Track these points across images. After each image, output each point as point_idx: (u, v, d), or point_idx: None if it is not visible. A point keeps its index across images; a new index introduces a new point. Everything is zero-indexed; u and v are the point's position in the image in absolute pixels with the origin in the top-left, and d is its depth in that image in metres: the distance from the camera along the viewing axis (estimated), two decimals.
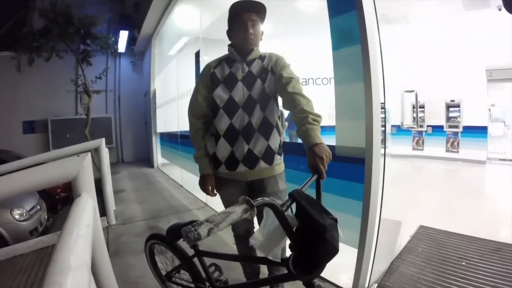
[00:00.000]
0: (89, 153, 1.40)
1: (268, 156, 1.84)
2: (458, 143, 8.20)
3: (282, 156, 1.96)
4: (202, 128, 1.94)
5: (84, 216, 1.01)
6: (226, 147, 1.83)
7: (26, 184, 1.33)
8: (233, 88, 1.82)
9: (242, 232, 2.10)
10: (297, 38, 7.08)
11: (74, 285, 0.60)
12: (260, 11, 1.79)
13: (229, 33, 1.89)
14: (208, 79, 1.88)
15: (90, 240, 0.89)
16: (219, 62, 1.91)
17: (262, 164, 1.83)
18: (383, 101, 2.11)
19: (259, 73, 1.83)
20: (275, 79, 1.82)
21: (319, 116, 1.59)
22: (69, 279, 0.61)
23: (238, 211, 0.88)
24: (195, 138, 1.95)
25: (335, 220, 1.10)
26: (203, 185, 1.94)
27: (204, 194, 1.98)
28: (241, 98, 1.81)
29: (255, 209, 0.91)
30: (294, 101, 1.66)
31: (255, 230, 2.16)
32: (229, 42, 1.91)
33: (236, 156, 1.82)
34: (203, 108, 1.90)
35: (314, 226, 1.03)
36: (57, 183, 1.39)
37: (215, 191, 1.97)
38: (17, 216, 3.92)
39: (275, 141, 1.86)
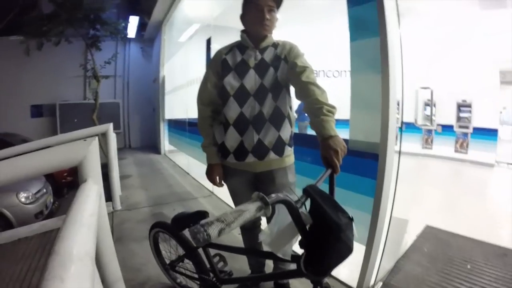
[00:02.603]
0: (96, 138, 1.36)
1: (279, 147, 1.78)
2: (467, 144, 8.08)
3: (293, 148, 1.90)
4: (210, 116, 1.88)
5: (89, 204, 0.97)
6: (235, 136, 1.77)
7: (30, 169, 1.29)
8: (244, 75, 1.74)
9: (249, 224, 2.06)
10: (308, 27, 6.92)
11: (76, 278, 0.56)
12: None
13: (243, 18, 1.78)
14: (218, 65, 1.80)
15: (94, 229, 0.85)
16: (231, 48, 1.83)
17: (272, 155, 1.77)
18: (400, 98, 2.05)
19: (272, 61, 1.76)
20: (288, 67, 1.75)
21: (334, 107, 1.51)
22: (71, 272, 0.57)
23: (251, 209, 0.83)
24: (203, 126, 1.90)
25: (351, 219, 1.05)
26: (210, 175, 1.90)
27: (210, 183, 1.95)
28: (252, 86, 1.73)
29: (270, 207, 0.86)
30: (308, 91, 1.58)
31: (261, 222, 2.13)
32: (241, 29, 1.84)
33: (245, 146, 1.76)
34: (213, 95, 1.83)
35: (329, 226, 0.98)
36: (62, 168, 1.36)
37: (222, 182, 1.93)
38: (23, 199, 3.94)
39: (286, 132, 1.80)
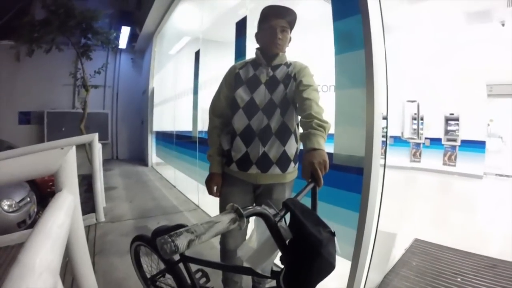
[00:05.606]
0: (74, 147, 1.32)
1: (283, 162, 1.80)
2: (455, 157, 8.16)
3: (297, 165, 1.90)
4: (219, 127, 1.93)
5: (59, 215, 0.93)
6: (241, 146, 1.80)
7: (5, 175, 1.25)
8: (255, 90, 1.81)
9: (232, 247, 1.97)
10: (299, 43, 6.99)
11: None
12: (291, 18, 1.78)
13: (257, 35, 1.88)
14: (232, 79, 1.87)
15: (61, 241, 0.81)
16: (245, 64, 1.91)
17: (275, 169, 1.79)
18: (385, 110, 2.05)
19: (283, 78, 1.81)
20: (295, 85, 1.79)
21: (326, 122, 1.53)
22: (29, 285, 0.54)
23: (224, 220, 0.79)
24: (211, 135, 1.95)
25: (333, 234, 1.02)
26: (209, 183, 1.91)
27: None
28: (262, 101, 1.79)
29: (245, 219, 0.83)
30: (305, 106, 1.62)
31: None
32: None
33: (250, 157, 1.79)
34: (224, 107, 1.90)
35: (309, 240, 0.94)
36: (37, 176, 1.32)
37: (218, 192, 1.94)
38: (5, 207, 3.84)
39: (291, 148, 1.82)
